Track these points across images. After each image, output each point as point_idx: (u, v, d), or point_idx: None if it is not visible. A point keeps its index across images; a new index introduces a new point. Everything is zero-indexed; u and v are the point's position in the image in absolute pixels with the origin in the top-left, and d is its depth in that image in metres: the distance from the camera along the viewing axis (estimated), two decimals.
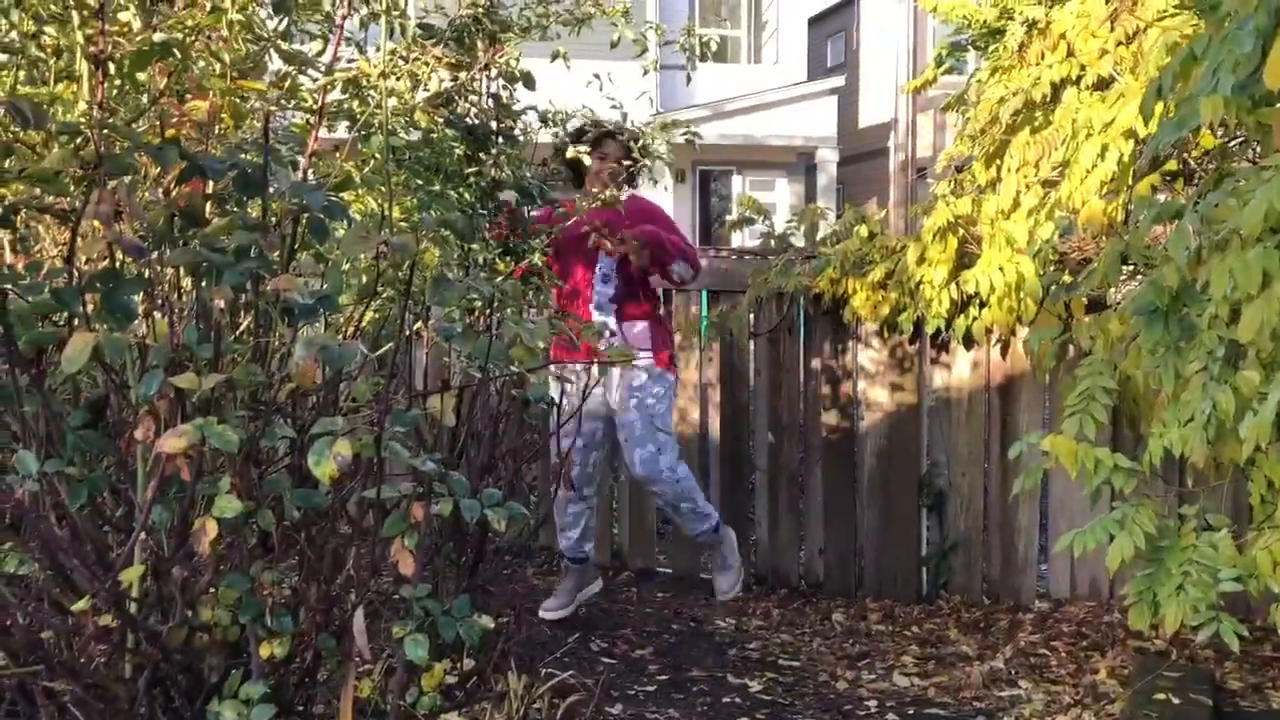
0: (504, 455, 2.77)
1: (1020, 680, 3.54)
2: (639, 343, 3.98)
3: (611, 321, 3.93)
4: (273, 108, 2.28)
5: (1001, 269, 3.58)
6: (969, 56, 8.86)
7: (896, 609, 4.31)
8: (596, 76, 3.15)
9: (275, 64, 2.65)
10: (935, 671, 3.65)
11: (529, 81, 3.20)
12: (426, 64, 2.41)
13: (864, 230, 4.32)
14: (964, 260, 3.87)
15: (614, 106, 3.27)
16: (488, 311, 2.69)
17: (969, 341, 4.07)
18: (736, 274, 4.69)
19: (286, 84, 2.61)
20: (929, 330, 4.11)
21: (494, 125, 3.16)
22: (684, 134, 4.21)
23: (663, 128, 4.26)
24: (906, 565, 4.44)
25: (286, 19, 2.59)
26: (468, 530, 2.31)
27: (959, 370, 4.36)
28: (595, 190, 3.68)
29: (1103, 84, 3.39)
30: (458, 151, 2.76)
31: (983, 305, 3.74)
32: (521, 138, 3.28)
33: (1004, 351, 4.26)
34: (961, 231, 3.84)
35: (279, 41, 2.56)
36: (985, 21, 7.34)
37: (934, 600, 4.35)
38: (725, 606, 4.40)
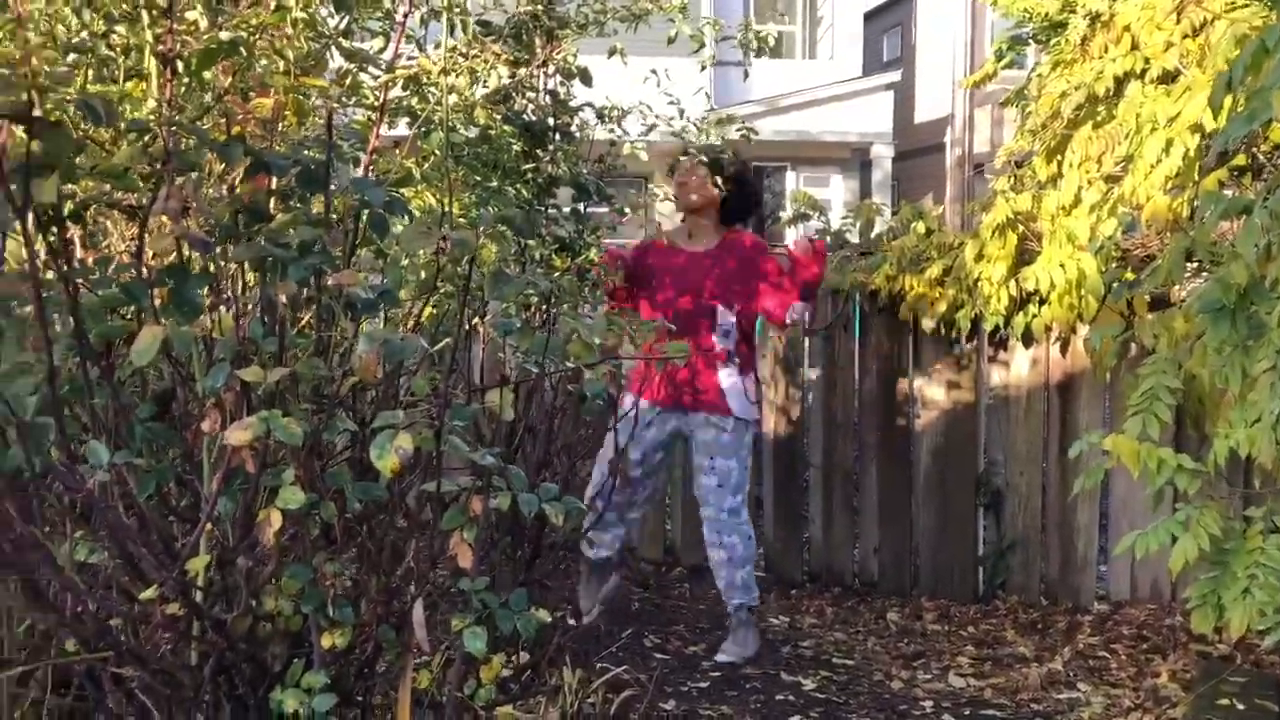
0: (559, 450, 2.78)
1: (1079, 683, 3.49)
2: (754, 395, 3.76)
3: (734, 377, 3.68)
4: (335, 105, 2.31)
5: (1062, 266, 3.52)
6: (1028, 51, 8.74)
7: (952, 609, 4.27)
8: (654, 72, 3.15)
9: (335, 61, 2.68)
10: (992, 672, 3.61)
11: (586, 78, 3.21)
12: (486, 61, 2.42)
13: (921, 227, 4.29)
14: (1023, 257, 3.82)
15: (671, 103, 3.26)
16: (544, 307, 2.70)
17: (1028, 339, 4.01)
18: None
19: (348, 81, 2.64)
20: (987, 328, 4.06)
21: (551, 121, 3.17)
22: (739, 130, 4.19)
23: (718, 124, 4.25)
24: (962, 564, 4.40)
25: (347, 16, 2.62)
26: (525, 524, 2.32)
27: (1017, 368, 4.30)
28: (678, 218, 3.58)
29: (1168, 77, 3.32)
30: (515, 148, 2.78)
31: (1042, 302, 3.68)
32: (578, 134, 3.29)
33: (1063, 349, 4.20)
34: (1021, 228, 3.79)
35: (340, 39, 2.59)
36: (1047, 15, 7.22)
37: (990, 600, 4.30)
38: (779, 604, 4.38)
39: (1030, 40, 8.14)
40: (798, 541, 4.78)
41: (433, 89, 2.40)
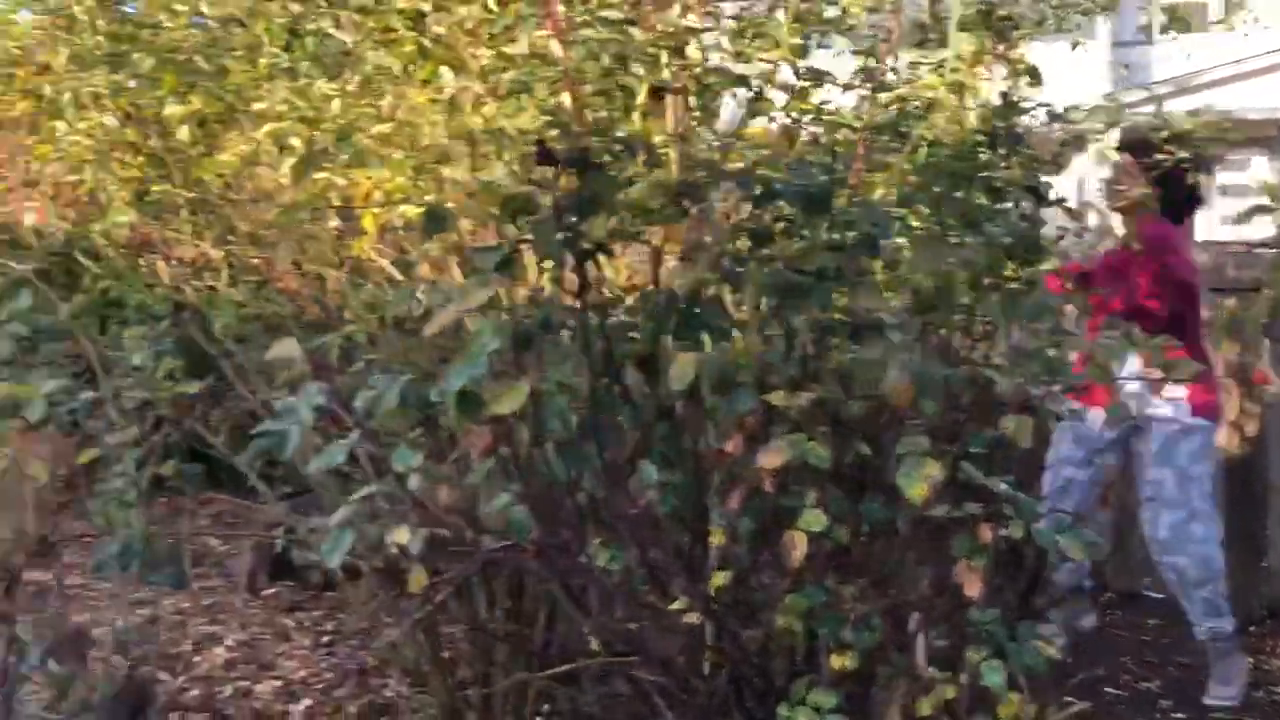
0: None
1: None
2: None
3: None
4: (806, 125, 2.34)
5: None
6: None
7: None
8: (1126, 67, 2.94)
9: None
10: None
11: (1036, 76, 3.07)
12: (981, 73, 2.36)
13: None
14: None
15: (1128, 92, 3.04)
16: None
17: None
18: (1243, 269, 4.23)
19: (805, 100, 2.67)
20: None
21: (1001, 124, 3.04)
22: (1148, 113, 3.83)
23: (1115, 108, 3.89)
24: None
25: (810, 35, 2.65)
26: (1023, 554, 2.23)
27: None
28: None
29: None
30: (983, 157, 2.69)
31: None
32: (1027, 135, 3.14)
33: None
34: None
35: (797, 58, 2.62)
36: None
37: None
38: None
39: None
40: (1254, 571, 4.31)
41: (914, 103, 2.37)
